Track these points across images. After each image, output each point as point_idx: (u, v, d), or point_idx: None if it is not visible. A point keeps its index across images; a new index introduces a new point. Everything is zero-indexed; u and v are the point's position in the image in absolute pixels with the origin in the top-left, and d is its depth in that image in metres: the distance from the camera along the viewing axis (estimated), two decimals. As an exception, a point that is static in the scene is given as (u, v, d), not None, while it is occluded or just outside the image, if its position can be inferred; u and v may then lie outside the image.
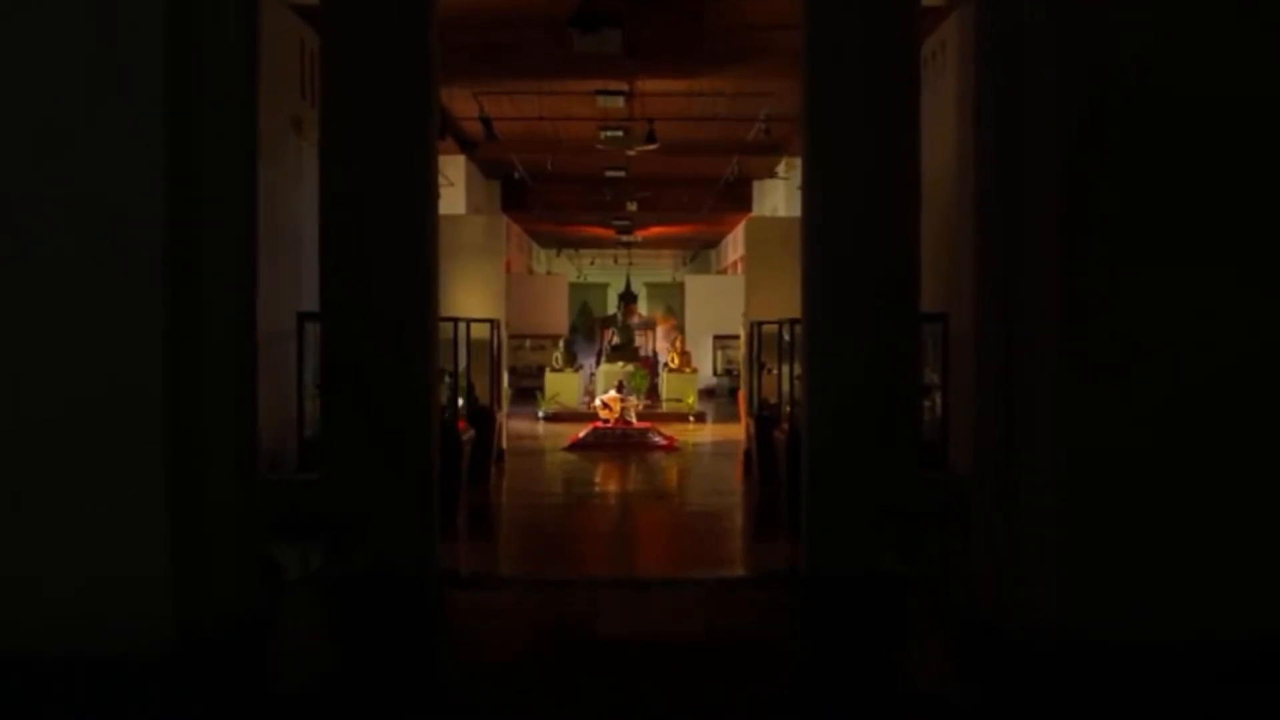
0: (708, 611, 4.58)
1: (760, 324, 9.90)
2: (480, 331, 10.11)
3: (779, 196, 17.65)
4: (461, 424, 8.66)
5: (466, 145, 15.55)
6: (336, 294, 4.91)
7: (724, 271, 25.85)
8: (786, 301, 10.17)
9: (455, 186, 16.30)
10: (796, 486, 7.50)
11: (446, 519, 7.49)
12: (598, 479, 10.36)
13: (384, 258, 4.90)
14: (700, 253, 30.80)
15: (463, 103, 11.84)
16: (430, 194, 5.05)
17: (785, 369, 8.58)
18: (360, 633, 4.19)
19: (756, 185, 19.21)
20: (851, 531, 4.88)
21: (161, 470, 2.64)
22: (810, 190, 5.13)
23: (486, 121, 11.74)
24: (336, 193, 4.96)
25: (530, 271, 25.55)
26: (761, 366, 9.83)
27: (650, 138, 11.42)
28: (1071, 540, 2.75)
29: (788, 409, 8.34)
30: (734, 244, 23.80)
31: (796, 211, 14.83)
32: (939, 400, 6.49)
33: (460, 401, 8.97)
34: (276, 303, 8.00)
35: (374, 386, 4.83)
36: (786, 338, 8.51)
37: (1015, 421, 2.86)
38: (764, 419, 9.20)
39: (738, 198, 19.31)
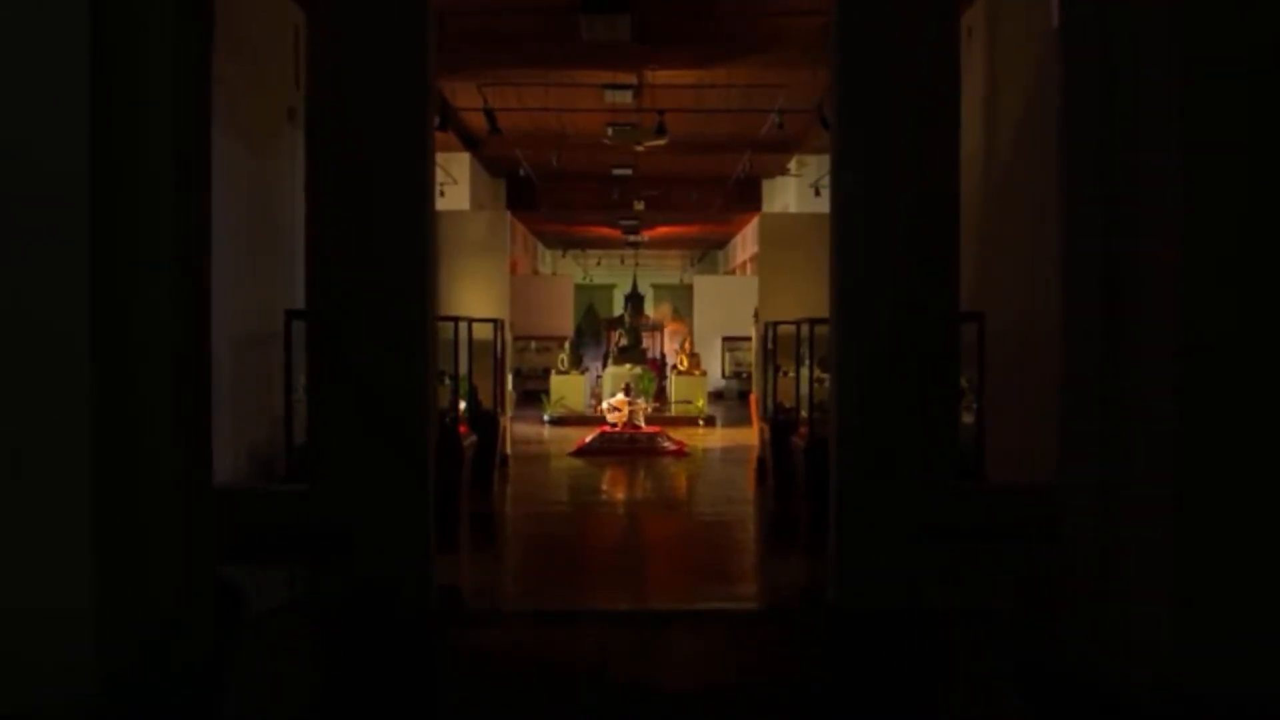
0: (731, 654, 4.06)
1: (776, 324, 9.50)
2: (484, 332, 9.74)
3: (790, 195, 17.28)
4: (463, 428, 8.28)
5: (471, 142, 15.18)
6: (325, 290, 4.52)
7: (732, 272, 25.48)
8: (803, 300, 9.81)
9: (459, 184, 15.94)
10: (817, 497, 7.12)
11: (447, 529, 7.11)
12: (605, 486, 9.95)
13: (377, 252, 4.52)
14: (708, 253, 30.41)
15: (466, 95, 11.46)
16: (427, 184, 4.66)
17: (803, 371, 8.19)
18: (331, 683, 3.58)
19: (766, 184, 18.85)
20: (887, 554, 4.47)
21: (87, 474, 2.16)
22: (839, 181, 4.74)
23: (490, 114, 11.35)
24: (325, 182, 4.57)
25: (536, 272, 25.17)
26: (777, 369, 9.44)
27: (660, 130, 11.01)
28: (1189, 563, 2.31)
29: (806, 413, 7.96)
30: (743, 244, 23.44)
31: (808, 209, 14.58)
32: (971, 406, 6.07)
33: (462, 405, 8.60)
34: (271, 301, 7.65)
35: (365, 390, 4.45)
36: (805, 338, 8.13)
37: (1121, 424, 2.44)
38: (780, 424, 8.80)
39: (747, 196, 18.95)
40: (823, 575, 5.62)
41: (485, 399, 9.67)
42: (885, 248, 4.63)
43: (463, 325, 8.74)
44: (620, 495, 9.47)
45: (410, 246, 4.55)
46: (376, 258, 4.51)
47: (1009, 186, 7.45)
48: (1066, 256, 2.75)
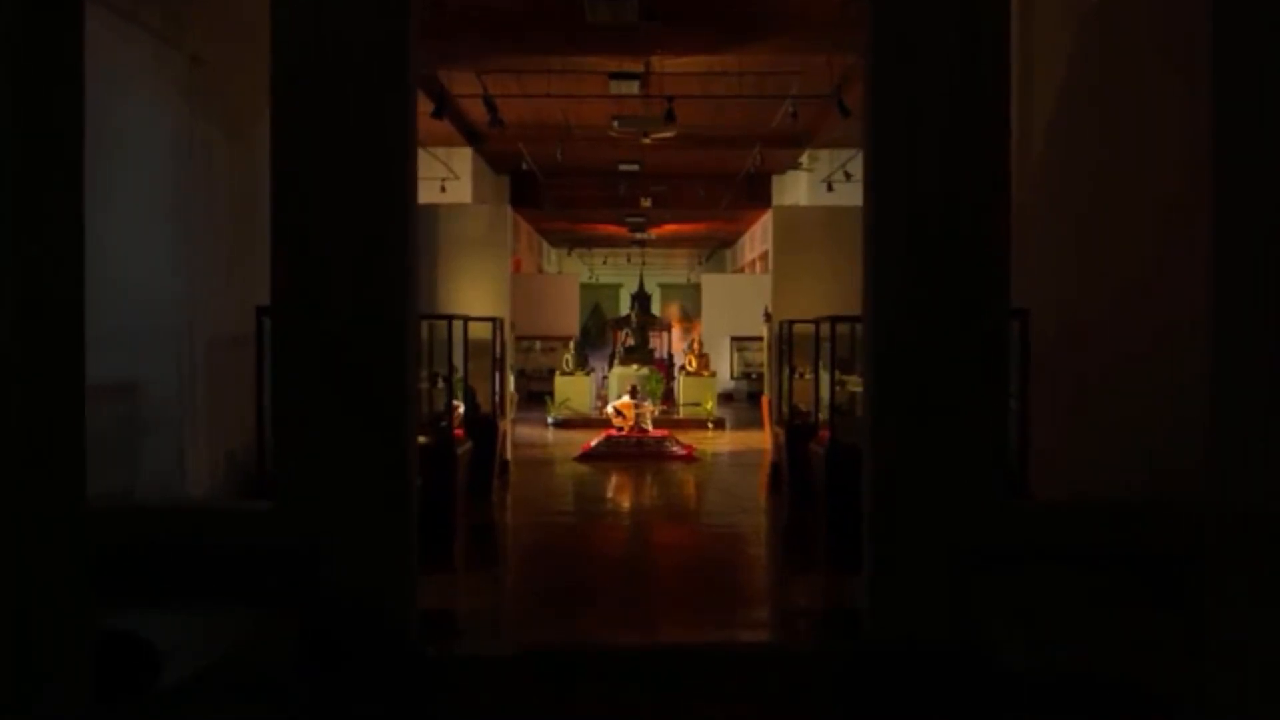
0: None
1: (791, 323, 8.98)
2: (484, 332, 9.24)
3: (800, 191, 16.77)
4: (460, 433, 7.78)
5: (473, 136, 14.69)
6: (292, 283, 4.01)
7: (741, 270, 24.99)
8: (818, 298, 9.29)
9: (461, 180, 15.46)
10: (839, 509, 6.61)
11: (440, 544, 6.62)
12: (611, 494, 9.44)
13: (350, 242, 4.01)
14: (716, 252, 29.90)
15: (465, 83, 10.96)
16: (407, 165, 4.15)
17: (822, 373, 7.68)
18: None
19: (776, 180, 18.35)
20: (930, 578, 3.94)
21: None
22: (875, 163, 4.21)
23: (490, 103, 10.83)
24: (291, 163, 4.07)
25: (540, 271, 24.70)
26: (792, 370, 8.92)
27: (669, 116, 10.48)
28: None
29: (825, 417, 7.44)
30: (752, 242, 22.95)
31: (819, 205, 14.02)
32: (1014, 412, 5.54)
33: (460, 408, 8.11)
34: (254, 299, 7.16)
35: (337, 394, 3.95)
36: (824, 338, 7.61)
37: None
38: (796, 429, 8.28)
39: (756, 193, 18.45)
40: (850, 598, 5.11)
41: (484, 402, 9.18)
42: (926, 237, 4.11)
43: (460, 324, 8.23)
44: (626, 504, 8.97)
45: (388, 235, 4.05)
46: (350, 246, 4.01)
47: (1044, 175, 6.94)
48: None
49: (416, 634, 4.10)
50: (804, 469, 7.81)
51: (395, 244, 4.06)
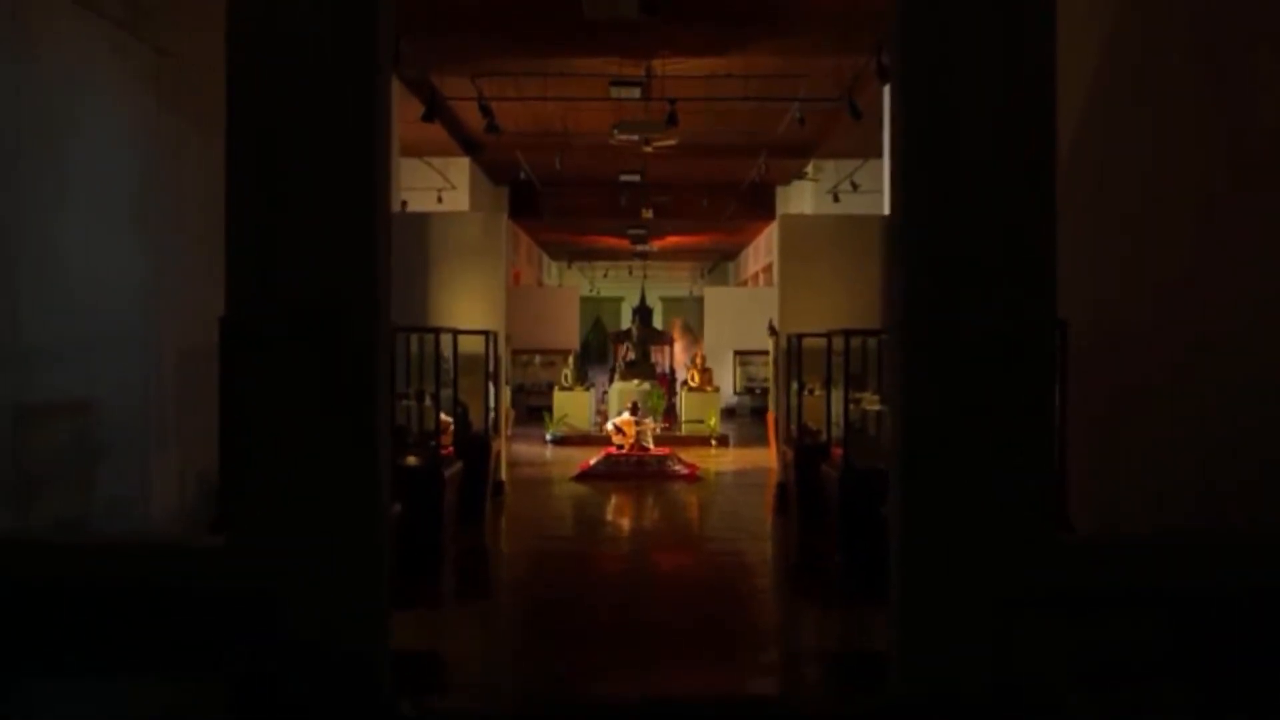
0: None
1: (800, 337, 8.52)
2: (479, 346, 8.81)
3: (805, 201, 16.37)
4: (450, 452, 7.34)
5: (470, 146, 14.31)
6: (248, 290, 3.57)
7: (744, 284, 24.60)
8: (826, 310, 8.84)
9: (458, 190, 15.07)
10: (855, 536, 6.17)
11: (425, 574, 6.18)
12: (610, 517, 8.97)
13: (314, 246, 3.57)
14: (718, 265, 29.52)
15: (459, 88, 10.55)
16: (376, 163, 3.71)
17: (834, 390, 7.23)
18: None
19: (781, 191, 17.96)
20: (970, 625, 3.49)
21: None
22: (902, 161, 3.76)
23: (486, 107, 10.42)
24: (247, 159, 3.62)
25: (540, 283, 24.31)
26: (802, 386, 8.46)
27: (671, 119, 10.06)
28: None
29: (837, 435, 6.99)
30: (755, 254, 22.58)
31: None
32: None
33: (450, 425, 7.66)
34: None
35: (297, 410, 3.50)
36: (838, 352, 7.17)
37: None
38: (805, 449, 7.83)
39: (760, 204, 18.05)
40: (867, 638, 4.67)
41: (478, 419, 8.73)
42: (961, 240, 3.67)
43: (448, 337, 7.80)
44: (626, 529, 8.50)
45: (356, 236, 3.60)
46: (314, 250, 3.56)
47: (1074, 169, 6.53)
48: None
49: (389, 686, 3.65)
50: (815, 491, 7.36)
51: (365, 247, 3.61)
